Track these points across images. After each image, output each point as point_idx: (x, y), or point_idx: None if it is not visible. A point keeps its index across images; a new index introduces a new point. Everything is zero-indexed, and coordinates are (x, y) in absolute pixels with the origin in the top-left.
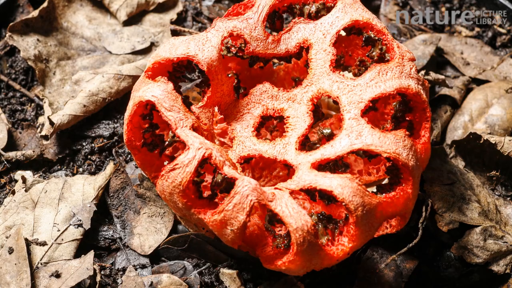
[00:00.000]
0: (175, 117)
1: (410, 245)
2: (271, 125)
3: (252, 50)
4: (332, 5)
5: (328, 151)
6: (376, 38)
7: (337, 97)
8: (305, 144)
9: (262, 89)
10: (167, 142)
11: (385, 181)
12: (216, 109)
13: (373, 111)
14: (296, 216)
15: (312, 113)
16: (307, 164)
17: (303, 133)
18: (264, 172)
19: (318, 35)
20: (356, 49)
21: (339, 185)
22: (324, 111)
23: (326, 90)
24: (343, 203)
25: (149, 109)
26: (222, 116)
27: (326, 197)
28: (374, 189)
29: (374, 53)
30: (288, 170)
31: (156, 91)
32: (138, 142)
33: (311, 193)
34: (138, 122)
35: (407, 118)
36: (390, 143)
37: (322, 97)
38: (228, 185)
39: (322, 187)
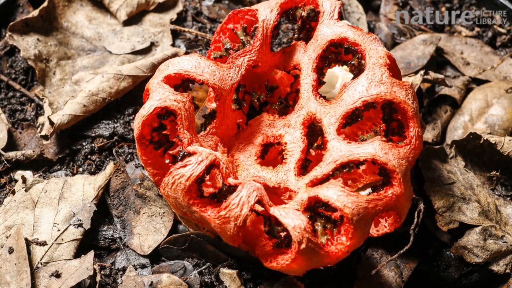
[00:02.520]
0: (188, 137)
1: (402, 251)
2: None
3: (260, 70)
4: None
5: (318, 171)
6: (352, 48)
7: (320, 119)
8: (305, 168)
9: (259, 120)
10: (179, 157)
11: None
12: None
13: (373, 109)
14: (292, 216)
15: (306, 137)
16: (304, 186)
17: (299, 159)
18: None
19: (305, 60)
20: None
21: (324, 189)
22: None
23: (313, 112)
24: (328, 202)
25: (164, 112)
26: (225, 148)
27: (322, 204)
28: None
29: (353, 62)
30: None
31: (182, 106)
32: (147, 138)
33: (313, 210)
34: (151, 120)
35: (398, 117)
36: (367, 149)
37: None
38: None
39: (311, 195)
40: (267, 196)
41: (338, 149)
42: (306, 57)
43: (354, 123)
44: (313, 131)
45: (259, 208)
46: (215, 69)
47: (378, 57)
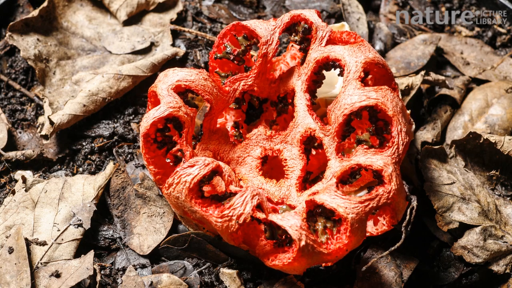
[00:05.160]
0: (190, 150)
1: (392, 248)
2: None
3: (258, 94)
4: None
5: (320, 186)
6: (336, 64)
7: (320, 138)
8: (306, 181)
9: (256, 133)
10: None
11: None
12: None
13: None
14: (288, 217)
15: (304, 154)
16: (306, 197)
17: (299, 176)
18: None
19: (299, 83)
20: None
21: (319, 194)
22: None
23: (312, 128)
24: (323, 204)
25: (171, 118)
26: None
27: (320, 208)
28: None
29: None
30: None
31: (189, 120)
32: (152, 136)
33: (312, 214)
34: (158, 122)
35: (384, 117)
36: (353, 160)
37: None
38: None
39: (307, 199)
40: (267, 203)
41: (335, 166)
42: (300, 81)
43: (352, 132)
44: (311, 140)
45: (260, 215)
46: (218, 93)
47: (355, 71)
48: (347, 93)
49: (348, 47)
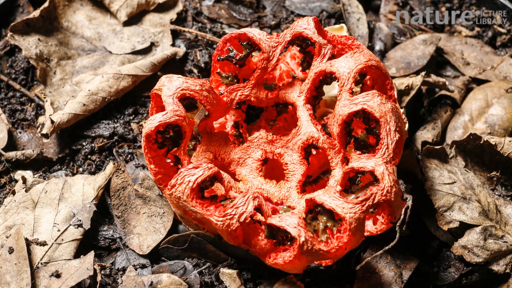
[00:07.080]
0: (188, 159)
1: (387, 247)
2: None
3: (255, 104)
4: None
5: (321, 191)
6: (333, 76)
7: (325, 149)
8: (305, 184)
9: (258, 136)
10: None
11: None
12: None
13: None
14: (286, 218)
15: (304, 160)
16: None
17: (300, 180)
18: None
19: (301, 98)
20: None
21: (320, 195)
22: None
23: (315, 137)
24: (323, 204)
25: (174, 125)
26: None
27: (320, 207)
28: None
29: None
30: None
31: (190, 130)
32: (153, 137)
33: (312, 212)
34: (161, 126)
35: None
36: (350, 166)
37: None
38: None
39: (307, 198)
40: (267, 206)
41: (338, 175)
42: (301, 97)
43: (351, 139)
44: (311, 145)
45: (261, 218)
46: (218, 104)
47: (346, 84)
48: (340, 105)
49: (343, 58)
